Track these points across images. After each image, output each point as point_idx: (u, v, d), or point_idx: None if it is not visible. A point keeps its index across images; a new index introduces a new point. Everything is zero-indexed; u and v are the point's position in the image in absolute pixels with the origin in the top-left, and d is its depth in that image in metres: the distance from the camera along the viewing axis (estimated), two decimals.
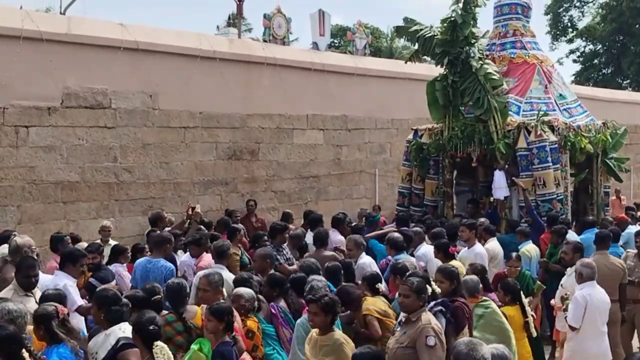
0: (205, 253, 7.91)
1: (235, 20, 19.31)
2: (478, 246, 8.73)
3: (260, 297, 6.17)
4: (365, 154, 15.39)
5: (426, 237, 8.93)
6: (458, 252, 8.56)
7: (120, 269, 7.43)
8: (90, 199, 10.88)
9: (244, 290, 5.91)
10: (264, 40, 14.22)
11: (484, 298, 6.43)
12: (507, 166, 10.65)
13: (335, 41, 31.48)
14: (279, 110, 13.54)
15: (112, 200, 11.14)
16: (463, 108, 11.33)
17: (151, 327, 4.56)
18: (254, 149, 13.17)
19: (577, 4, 36.57)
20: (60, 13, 12.41)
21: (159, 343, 4.50)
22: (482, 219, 9.78)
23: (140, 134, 11.48)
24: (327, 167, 14.57)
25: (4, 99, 9.96)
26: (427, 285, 5.71)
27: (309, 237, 9.23)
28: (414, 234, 8.86)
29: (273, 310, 6.14)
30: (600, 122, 11.82)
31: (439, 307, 5.53)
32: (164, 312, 5.87)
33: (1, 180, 9.93)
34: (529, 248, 9.20)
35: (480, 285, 6.52)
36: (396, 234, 8.37)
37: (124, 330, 4.93)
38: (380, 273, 7.07)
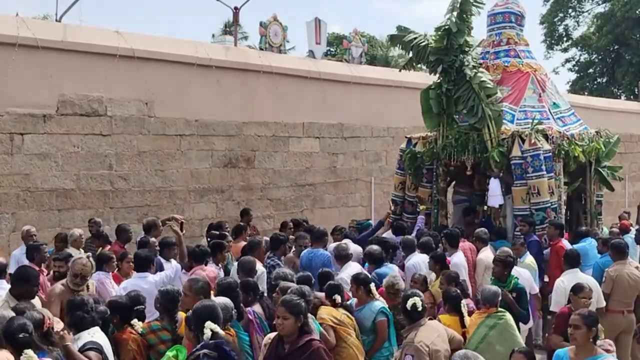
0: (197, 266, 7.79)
1: (231, 28, 19.34)
2: (456, 256, 8.55)
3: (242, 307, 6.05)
4: (361, 162, 15.40)
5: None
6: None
7: (102, 277, 7.20)
8: (86, 207, 10.86)
9: (226, 301, 5.72)
10: (261, 48, 14.25)
11: (500, 310, 6.28)
12: (501, 174, 10.62)
13: (332, 49, 31.57)
14: (275, 118, 13.55)
15: (107, 207, 11.12)
16: (457, 116, 11.25)
17: (21, 335, 4.44)
18: (250, 156, 13.17)
19: (573, 14, 36.73)
20: (56, 20, 12.37)
21: (28, 352, 4.36)
22: (481, 229, 9.70)
23: (136, 142, 11.47)
24: (323, 175, 14.58)
25: None
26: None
27: None
28: (404, 242, 8.74)
29: (249, 316, 6.04)
30: (593, 130, 11.81)
31: (204, 351, 4.69)
32: (149, 319, 5.86)
33: None
34: (531, 261, 9.01)
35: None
36: (374, 247, 8.21)
37: (93, 334, 5.02)
38: (341, 284, 6.82)
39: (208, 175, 12.51)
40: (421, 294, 6.00)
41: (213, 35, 31.30)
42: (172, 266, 7.53)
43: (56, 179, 10.55)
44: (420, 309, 5.61)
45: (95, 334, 5.03)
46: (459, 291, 6.74)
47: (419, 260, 8.29)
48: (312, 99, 14.25)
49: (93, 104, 10.93)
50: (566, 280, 7.55)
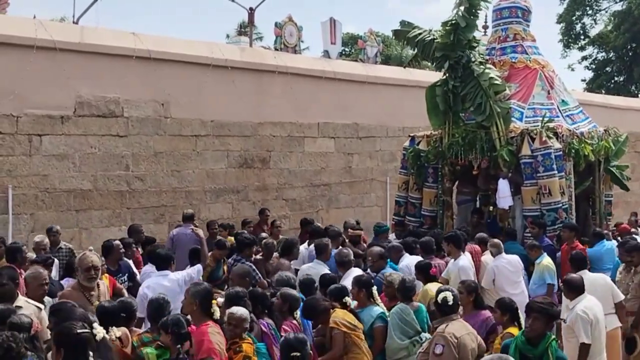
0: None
1: (246, 28, 19.39)
2: (462, 259, 8.22)
3: (253, 316, 5.74)
4: (376, 162, 15.37)
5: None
6: (446, 264, 8.36)
7: (72, 283, 6.72)
8: (103, 207, 10.94)
9: (243, 311, 5.43)
10: (275, 49, 14.28)
11: None
12: (510, 174, 10.30)
13: (347, 49, 31.54)
14: (290, 119, 13.57)
15: (124, 208, 11.19)
16: (463, 114, 10.97)
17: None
18: (265, 157, 13.19)
19: (590, 12, 36.44)
20: (74, 22, 12.48)
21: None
22: (481, 233, 9.44)
23: (152, 142, 11.54)
24: (338, 175, 14.57)
25: (18, 107, 10.05)
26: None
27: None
28: (392, 248, 8.55)
29: (264, 328, 5.78)
30: (602, 129, 11.46)
31: None
32: (141, 331, 5.61)
33: (15, 189, 10.01)
34: (549, 261, 8.87)
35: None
36: (377, 248, 8.09)
37: None
38: (347, 287, 6.67)
39: (224, 175, 12.55)
40: (454, 289, 5.99)
41: (228, 36, 31.42)
42: (194, 266, 7.50)
43: (74, 180, 10.63)
44: (450, 303, 5.67)
45: None
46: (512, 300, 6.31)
47: (412, 262, 8.01)
48: (327, 99, 14.25)
49: (110, 105, 11.01)
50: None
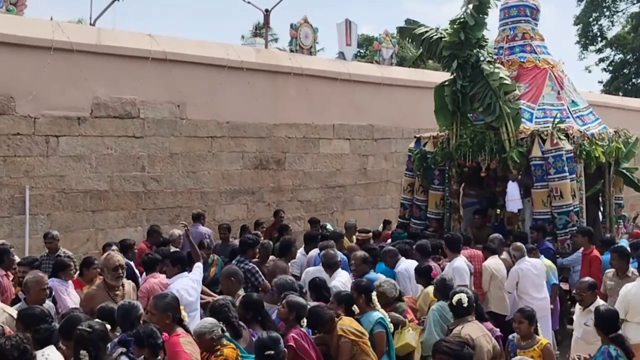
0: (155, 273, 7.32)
1: (261, 30, 19.43)
2: (457, 260, 8.06)
3: (241, 323, 5.49)
4: (391, 164, 15.33)
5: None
6: (440, 267, 8.23)
7: (57, 284, 6.74)
8: (119, 208, 10.99)
9: (202, 325, 5.10)
10: (291, 50, 14.28)
11: None
12: (519, 176, 10.02)
13: (362, 51, 31.47)
14: (305, 120, 13.57)
15: (139, 209, 11.24)
16: (470, 115, 10.71)
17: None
18: (280, 158, 13.20)
19: (607, 14, 36.19)
20: (90, 24, 12.56)
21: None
22: (496, 235, 9.17)
23: (168, 144, 11.58)
24: (353, 177, 14.55)
25: (35, 108, 10.12)
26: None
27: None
28: (388, 252, 8.34)
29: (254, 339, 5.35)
30: (612, 130, 11.18)
31: (120, 349, 4.48)
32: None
33: (32, 189, 10.07)
34: (550, 262, 8.82)
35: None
36: (360, 252, 7.88)
37: (47, 356, 4.33)
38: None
39: (239, 176, 12.57)
40: (469, 290, 5.95)
41: (243, 37, 31.48)
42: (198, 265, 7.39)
43: (90, 181, 10.69)
44: (465, 304, 5.70)
45: (50, 356, 4.34)
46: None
47: (409, 265, 7.91)
48: (343, 100, 14.24)
49: (126, 107, 11.06)
50: (631, 286, 7.05)
